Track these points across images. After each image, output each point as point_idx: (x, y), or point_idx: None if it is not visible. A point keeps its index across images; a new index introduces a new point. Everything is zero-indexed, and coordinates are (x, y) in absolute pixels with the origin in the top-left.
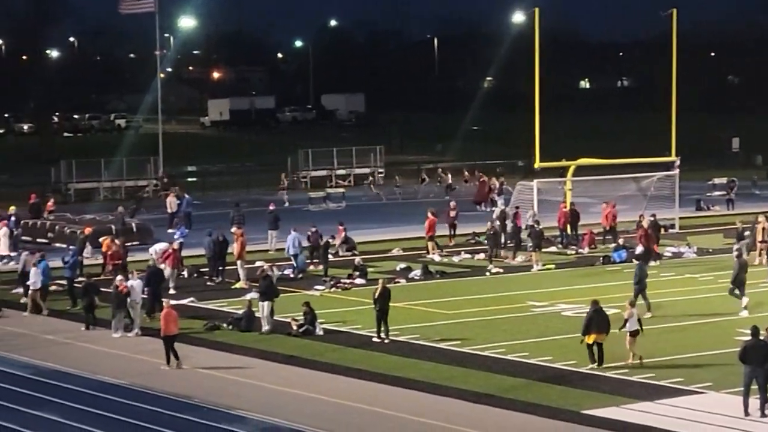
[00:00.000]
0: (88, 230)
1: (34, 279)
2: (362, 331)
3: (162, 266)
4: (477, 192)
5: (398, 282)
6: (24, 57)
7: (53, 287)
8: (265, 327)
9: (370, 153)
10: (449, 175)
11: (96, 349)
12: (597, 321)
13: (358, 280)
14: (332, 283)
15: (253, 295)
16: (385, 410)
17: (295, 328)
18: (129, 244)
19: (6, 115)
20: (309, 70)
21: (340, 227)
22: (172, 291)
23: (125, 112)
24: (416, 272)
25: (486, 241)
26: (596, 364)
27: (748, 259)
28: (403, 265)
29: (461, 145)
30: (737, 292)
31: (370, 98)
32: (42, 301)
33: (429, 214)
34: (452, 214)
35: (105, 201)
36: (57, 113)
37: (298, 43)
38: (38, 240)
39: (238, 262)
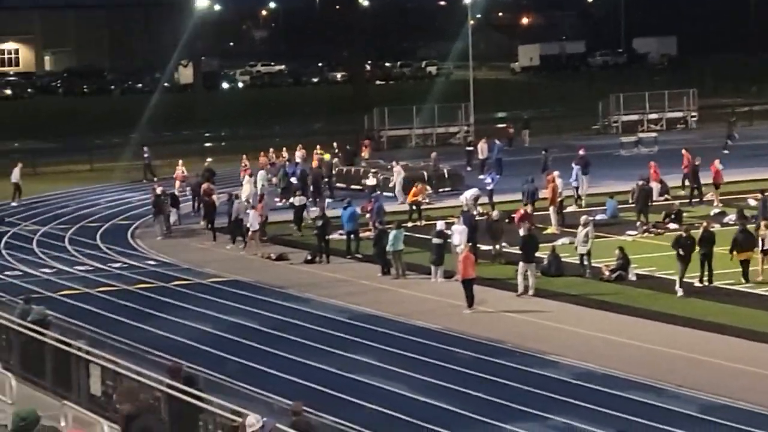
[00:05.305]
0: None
1: (252, 221)
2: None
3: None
4: None
5: (713, 227)
6: (337, 7)
7: (364, 234)
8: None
9: (682, 97)
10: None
11: (411, 294)
12: (741, 240)
13: (672, 225)
14: (645, 228)
15: (564, 240)
16: (699, 356)
17: (606, 273)
18: (441, 190)
19: (320, 65)
20: (620, 14)
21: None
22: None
23: (436, 59)
24: (730, 217)
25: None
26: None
27: None
28: (717, 210)
29: None
30: None
31: (683, 41)
32: (260, 242)
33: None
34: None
35: (417, 148)
36: (369, 61)
37: None
38: (351, 187)
39: (551, 208)
